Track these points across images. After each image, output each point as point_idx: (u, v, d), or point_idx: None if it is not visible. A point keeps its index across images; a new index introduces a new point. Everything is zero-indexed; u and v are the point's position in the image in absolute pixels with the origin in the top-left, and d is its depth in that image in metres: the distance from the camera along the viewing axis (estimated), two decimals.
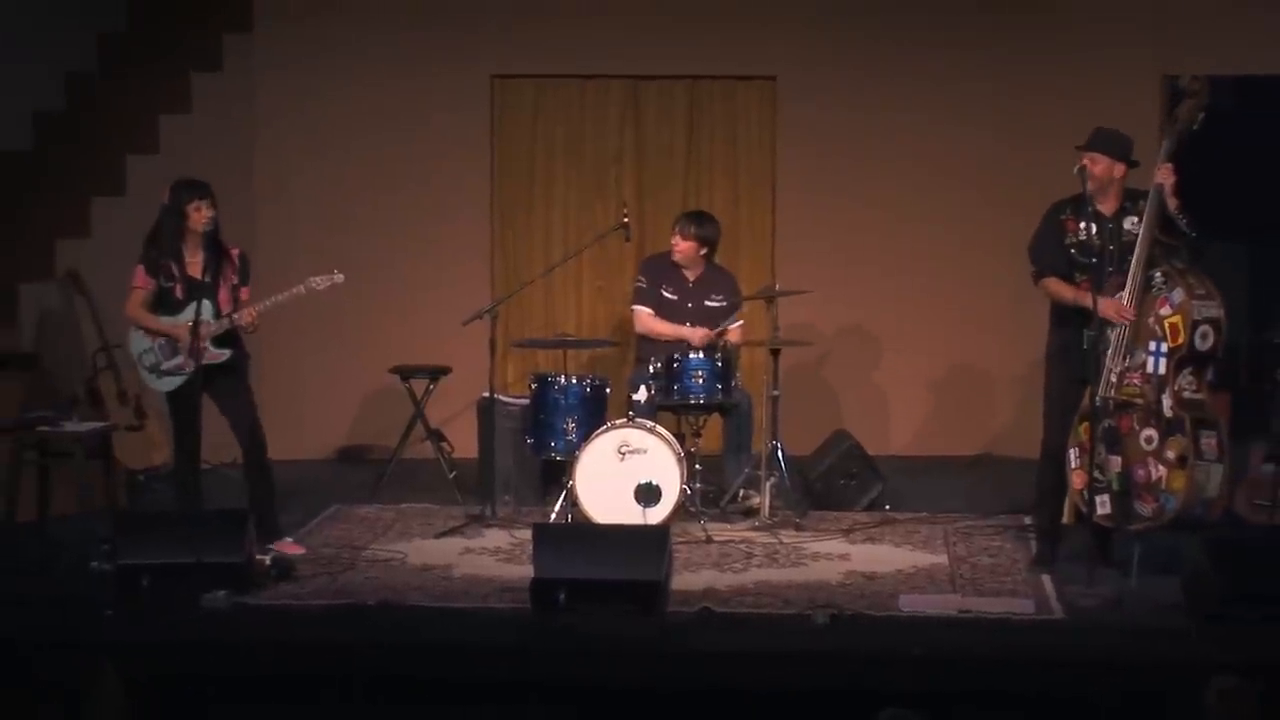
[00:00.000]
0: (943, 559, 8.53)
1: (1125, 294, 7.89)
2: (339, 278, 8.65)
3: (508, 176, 11.42)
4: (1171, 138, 7.98)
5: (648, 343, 9.71)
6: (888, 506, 9.61)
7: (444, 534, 8.99)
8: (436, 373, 10.39)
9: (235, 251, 8.58)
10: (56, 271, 10.50)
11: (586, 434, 8.90)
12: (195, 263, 8.45)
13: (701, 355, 9.19)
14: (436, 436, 10.30)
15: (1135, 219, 7.98)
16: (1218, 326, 7.85)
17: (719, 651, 7.06)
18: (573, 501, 8.80)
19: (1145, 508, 7.85)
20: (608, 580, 7.31)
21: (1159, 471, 7.81)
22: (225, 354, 8.47)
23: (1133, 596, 7.58)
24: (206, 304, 8.34)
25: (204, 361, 8.34)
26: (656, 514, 8.67)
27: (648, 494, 8.71)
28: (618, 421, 8.90)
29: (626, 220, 9.76)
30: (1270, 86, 11.01)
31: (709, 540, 8.74)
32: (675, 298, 9.73)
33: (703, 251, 9.73)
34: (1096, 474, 7.80)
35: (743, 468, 9.41)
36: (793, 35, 11.19)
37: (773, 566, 8.38)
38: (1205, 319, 7.83)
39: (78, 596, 7.59)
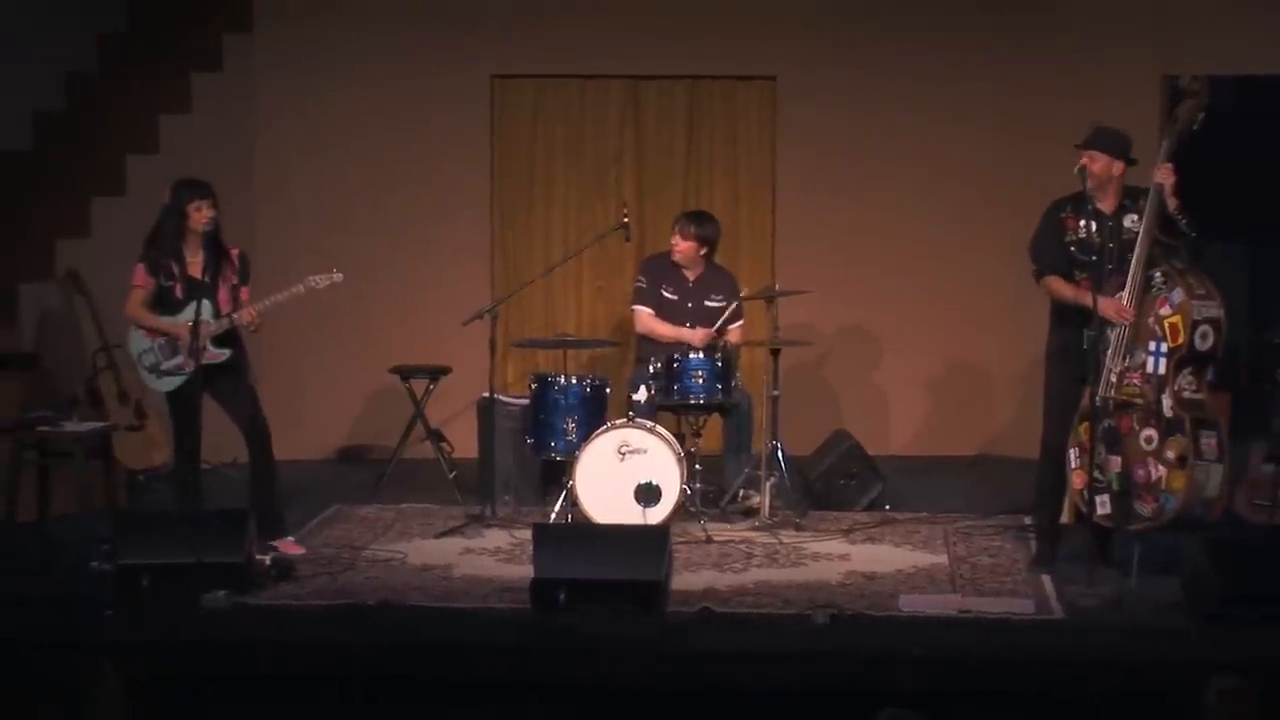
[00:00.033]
0: (943, 559, 8.53)
1: (1125, 294, 7.89)
2: (338, 277, 8.65)
3: (508, 176, 11.43)
4: (1171, 138, 7.99)
5: (648, 343, 9.72)
6: (888, 506, 9.61)
7: (444, 534, 8.99)
8: (436, 373, 10.39)
9: (235, 251, 8.58)
10: (56, 271, 10.50)
11: (586, 434, 8.90)
12: (195, 262, 8.45)
13: (701, 355, 9.20)
14: (436, 436, 10.30)
15: (1135, 217, 7.98)
16: (1218, 326, 7.85)
17: (719, 651, 7.06)
18: (573, 501, 8.80)
19: (1145, 508, 7.85)
20: (608, 580, 7.31)
21: (1159, 471, 7.81)
22: (225, 354, 8.47)
23: (1133, 596, 7.58)
24: (206, 304, 8.34)
25: (204, 361, 8.35)
26: (656, 514, 8.67)
27: (648, 494, 8.71)
28: (618, 421, 8.90)
29: (626, 220, 9.76)
30: (1270, 86, 11.01)
31: (709, 540, 8.74)
32: (675, 297, 9.73)
33: (702, 251, 9.74)
34: (1096, 474, 7.80)
35: (743, 468, 9.41)
36: (793, 35, 11.19)
37: (773, 566, 8.38)
38: (1205, 319, 7.83)
39: (78, 596, 7.58)
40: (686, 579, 8.00)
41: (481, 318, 9.35)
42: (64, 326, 10.38)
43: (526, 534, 8.09)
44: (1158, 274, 7.90)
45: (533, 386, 9.22)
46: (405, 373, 10.41)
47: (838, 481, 9.64)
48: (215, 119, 11.10)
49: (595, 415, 9.05)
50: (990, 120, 11.04)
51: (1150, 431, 7.85)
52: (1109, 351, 7.92)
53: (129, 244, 8.75)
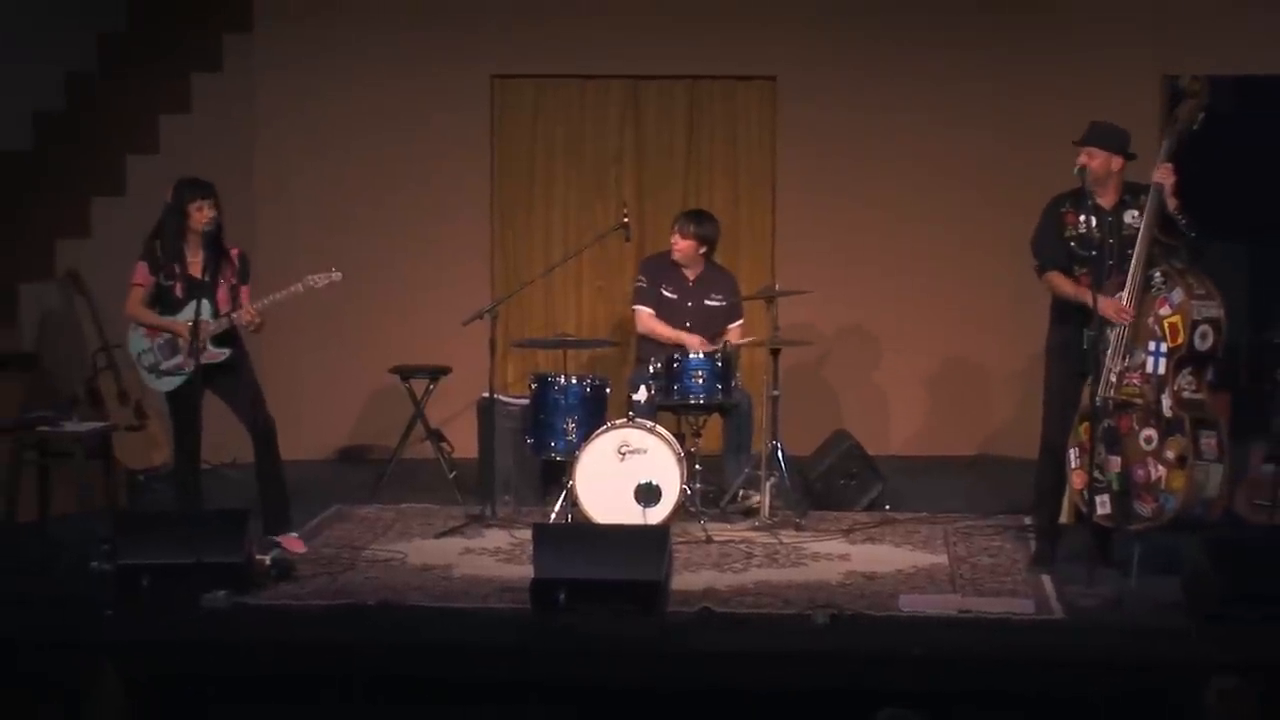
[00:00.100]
0: (943, 559, 8.53)
1: (1125, 294, 7.89)
2: (337, 276, 8.66)
3: (508, 176, 11.43)
4: (1171, 138, 7.99)
5: (648, 343, 9.72)
6: (888, 506, 9.61)
7: (444, 534, 8.99)
8: (436, 373, 10.39)
9: (235, 251, 8.59)
10: (56, 271, 10.50)
11: (586, 434, 8.90)
12: (195, 262, 8.46)
13: (701, 355, 9.20)
14: (436, 436, 10.30)
15: (1135, 212, 7.98)
16: (1217, 326, 7.85)
17: (719, 651, 7.06)
18: (573, 501, 8.80)
19: (1145, 508, 7.85)
20: (608, 580, 7.30)
21: (1159, 471, 7.81)
22: (225, 353, 8.48)
23: (1133, 596, 7.58)
24: (205, 303, 8.35)
25: (203, 361, 8.35)
26: (656, 514, 8.67)
27: (648, 494, 8.71)
28: (618, 421, 8.90)
29: (626, 220, 9.76)
30: (1270, 86, 11.01)
31: (709, 540, 8.73)
32: (675, 297, 9.74)
33: (702, 250, 9.74)
34: (1096, 474, 7.80)
35: (743, 468, 9.41)
36: (793, 35, 11.19)
37: (773, 566, 8.38)
38: (1205, 319, 7.83)
39: (78, 596, 7.58)
40: (686, 579, 7.99)
41: (481, 318, 9.35)
42: (64, 326, 10.38)
43: (526, 534, 8.09)
44: (1157, 274, 7.90)
45: (533, 386, 9.22)
46: (405, 373, 10.41)
47: (838, 481, 9.64)
48: (215, 119, 11.10)
49: (595, 415, 9.05)
50: (990, 120, 11.04)
51: (1150, 431, 7.85)
52: (1109, 351, 7.92)
53: (129, 244, 8.76)
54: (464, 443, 10.32)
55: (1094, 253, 7.99)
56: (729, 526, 9.09)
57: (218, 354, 8.44)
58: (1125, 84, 10.67)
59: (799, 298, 9.71)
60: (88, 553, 8.01)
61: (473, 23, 11.22)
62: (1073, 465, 8.01)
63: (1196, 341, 7.81)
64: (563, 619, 7.22)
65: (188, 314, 8.37)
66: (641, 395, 9.16)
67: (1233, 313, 8.00)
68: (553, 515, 8.90)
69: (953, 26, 11.11)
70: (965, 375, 11.23)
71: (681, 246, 9.72)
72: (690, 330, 9.64)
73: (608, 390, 9.22)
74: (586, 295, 11.43)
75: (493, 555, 8.60)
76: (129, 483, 9.73)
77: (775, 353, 9.37)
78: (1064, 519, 8.22)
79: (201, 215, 8.41)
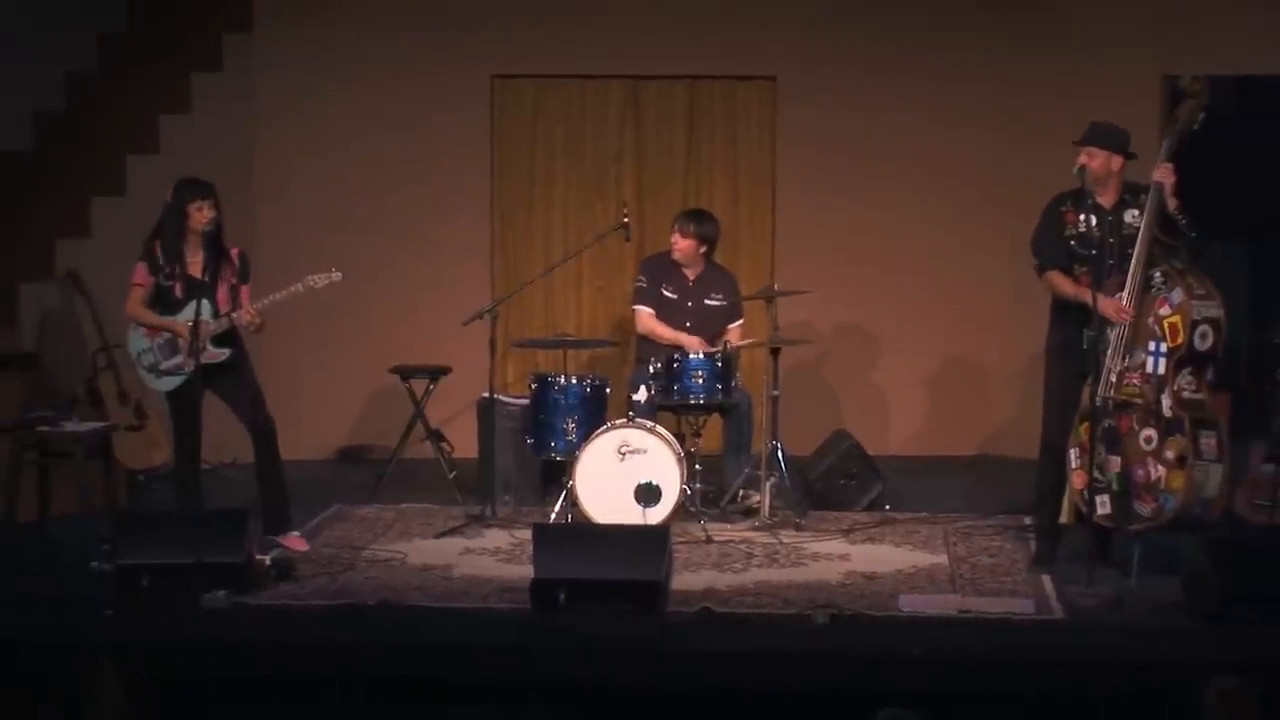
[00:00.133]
0: (943, 559, 8.53)
1: (1125, 294, 7.89)
2: (337, 276, 8.66)
3: (508, 176, 11.43)
4: (1172, 138, 7.99)
5: (648, 343, 9.72)
6: (888, 506, 9.61)
7: (444, 534, 8.99)
8: (436, 373, 10.39)
9: (235, 251, 8.60)
10: (56, 271, 10.50)
11: (586, 434, 8.90)
12: (195, 262, 8.47)
13: (701, 355, 9.20)
14: (436, 436, 10.30)
15: (1135, 212, 7.99)
16: (1217, 326, 7.85)
17: (719, 651, 7.06)
18: (573, 501, 8.79)
19: (1145, 508, 7.85)
20: (608, 580, 7.30)
21: (1158, 471, 7.81)
22: (225, 353, 8.48)
23: (1133, 596, 7.58)
24: (205, 303, 8.35)
25: (204, 361, 8.35)
26: (656, 514, 8.67)
27: (648, 494, 8.71)
28: (618, 421, 8.90)
29: (626, 220, 9.76)
30: (1270, 86, 11.01)
31: (709, 540, 8.73)
32: (675, 296, 9.74)
33: (702, 250, 9.74)
34: (1096, 474, 7.80)
35: (743, 468, 9.41)
36: (793, 35, 11.19)
37: (773, 566, 8.38)
38: (1205, 319, 7.83)
39: (78, 596, 7.58)
40: (686, 579, 7.99)
41: (481, 318, 9.35)
42: (64, 326, 10.38)
43: (526, 534, 8.09)
44: (1157, 274, 7.90)
45: (533, 386, 9.22)
46: (405, 373, 10.41)
47: (838, 481, 9.64)
48: (215, 119, 11.10)
49: (595, 415, 9.05)
50: (990, 120, 11.04)
51: (1150, 431, 7.85)
52: (1109, 351, 7.92)
53: (129, 244, 8.76)
54: (464, 443, 10.32)
55: (1094, 252, 7.99)
56: (729, 526, 9.09)
57: (218, 354, 8.45)
58: (1125, 84, 10.66)
59: (799, 298, 9.71)
60: (88, 553, 8.01)
61: (473, 23, 11.21)
62: (1073, 465, 8.01)
63: (1196, 341, 7.81)
64: (563, 619, 7.22)
65: (188, 314, 8.37)
66: (641, 395, 9.16)
67: (1233, 313, 8.00)
68: (553, 515, 8.90)
69: (953, 26, 11.11)
70: (965, 375, 11.23)
71: (682, 246, 9.72)
72: (690, 330, 9.64)
73: (608, 390, 9.22)
74: (586, 295, 11.43)
75: (493, 555, 8.60)
76: (129, 483, 9.73)
77: (775, 352, 9.36)
78: (1064, 519, 8.22)
79: (201, 215, 8.41)
